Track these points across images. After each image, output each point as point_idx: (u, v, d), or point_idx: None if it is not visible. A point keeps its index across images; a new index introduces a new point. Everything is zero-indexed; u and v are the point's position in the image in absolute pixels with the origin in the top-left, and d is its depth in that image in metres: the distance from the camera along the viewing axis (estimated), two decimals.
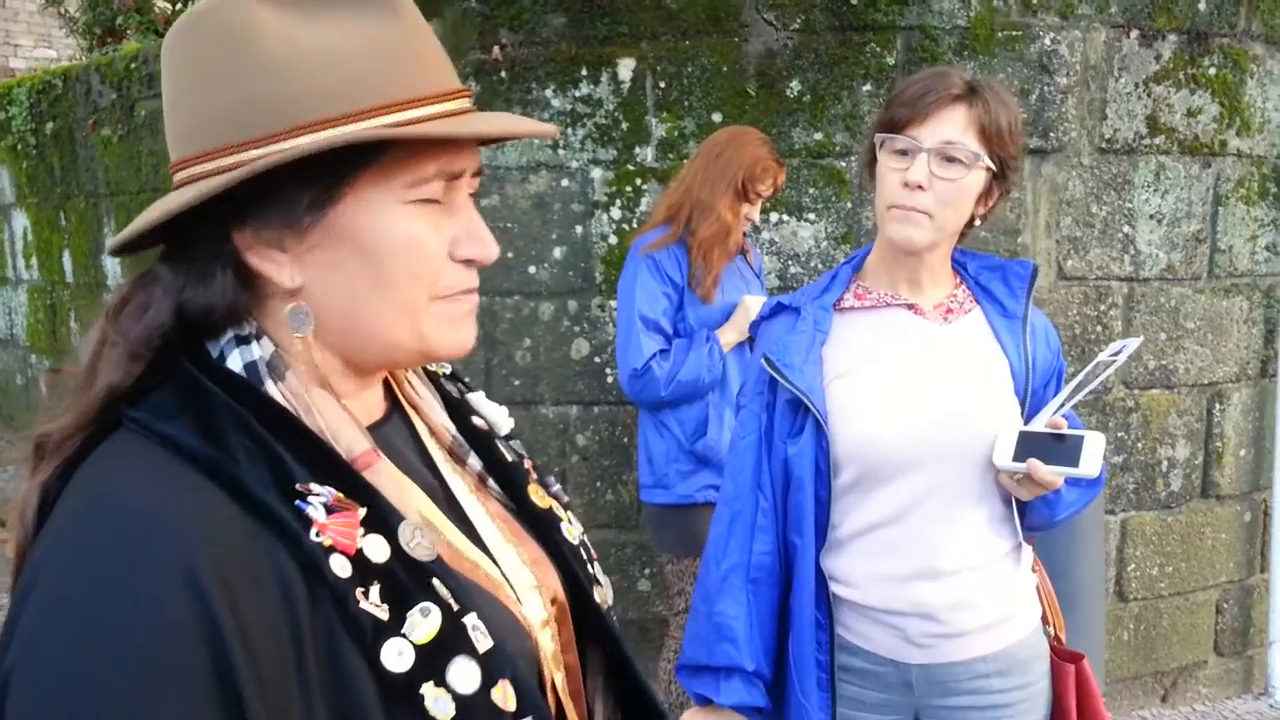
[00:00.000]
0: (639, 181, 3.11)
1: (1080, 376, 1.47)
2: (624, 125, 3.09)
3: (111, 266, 5.09)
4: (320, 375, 0.74)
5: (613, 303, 3.04)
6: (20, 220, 6.01)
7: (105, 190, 5.01)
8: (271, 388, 0.72)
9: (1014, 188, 1.54)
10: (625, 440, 3.19)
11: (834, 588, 1.52)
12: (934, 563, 1.46)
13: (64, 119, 5.25)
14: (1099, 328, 3.15)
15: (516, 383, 3.22)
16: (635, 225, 3.07)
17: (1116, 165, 3.12)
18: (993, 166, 1.45)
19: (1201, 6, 3.11)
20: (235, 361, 0.72)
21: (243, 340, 0.73)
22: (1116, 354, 1.47)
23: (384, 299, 0.73)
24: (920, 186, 1.41)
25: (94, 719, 0.57)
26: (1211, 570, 3.42)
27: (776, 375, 1.51)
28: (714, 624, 1.54)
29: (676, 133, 3.07)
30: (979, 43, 2.98)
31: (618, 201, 3.13)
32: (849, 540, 1.50)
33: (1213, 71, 3.16)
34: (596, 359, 3.18)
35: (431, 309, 0.75)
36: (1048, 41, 3.00)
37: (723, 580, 1.54)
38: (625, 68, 3.06)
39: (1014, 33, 2.99)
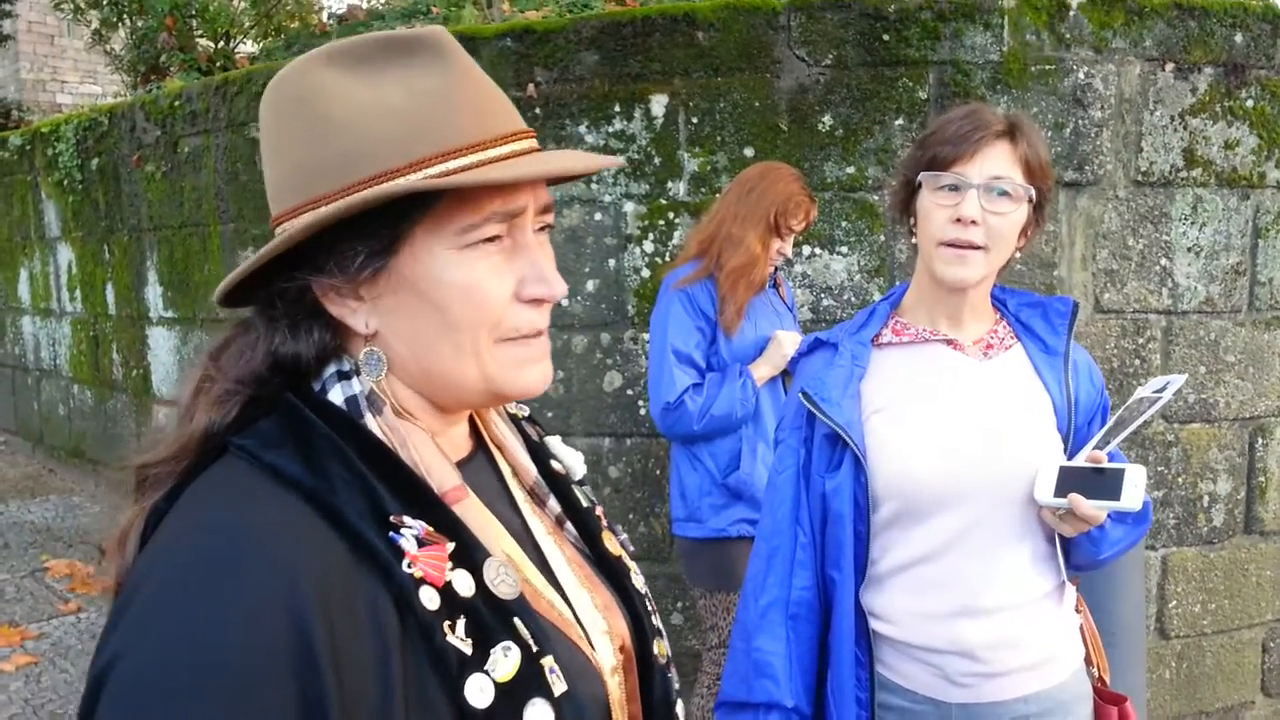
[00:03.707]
0: (671, 215, 3.13)
1: (1120, 412, 1.45)
2: (657, 160, 3.12)
3: (153, 299, 5.19)
4: (406, 412, 0.76)
5: (645, 335, 3.06)
6: (65, 254, 6.14)
7: (148, 225, 5.12)
8: (370, 421, 0.74)
9: (1047, 220, 1.56)
10: (658, 473, 3.19)
11: (874, 624, 1.50)
12: (975, 600, 1.44)
13: (109, 155, 5.38)
14: (1137, 361, 3.12)
15: (549, 414, 3.23)
16: (668, 259, 3.09)
17: (1153, 198, 3.10)
18: (1035, 200, 1.47)
19: (1238, 39, 3.10)
20: (337, 395, 0.75)
21: (344, 376, 0.76)
22: (1159, 391, 1.45)
23: (449, 343, 0.74)
24: (974, 221, 1.43)
25: None
26: (1257, 608, 3.34)
27: (814, 409, 1.51)
28: (753, 660, 1.53)
29: (709, 167, 3.10)
30: (1012, 77, 2.99)
31: (650, 235, 3.15)
32: (889, 576, 1.49)
33: (1250, 104, 3.14)
34: (629, 391, 3.19)
35: (497, 352, 0.76)
36: (1081, 75, 3.00)
37: (761, 616, 1.53)
38: (658, 104, 3.10)
39: (1047, 67, 2.99)
